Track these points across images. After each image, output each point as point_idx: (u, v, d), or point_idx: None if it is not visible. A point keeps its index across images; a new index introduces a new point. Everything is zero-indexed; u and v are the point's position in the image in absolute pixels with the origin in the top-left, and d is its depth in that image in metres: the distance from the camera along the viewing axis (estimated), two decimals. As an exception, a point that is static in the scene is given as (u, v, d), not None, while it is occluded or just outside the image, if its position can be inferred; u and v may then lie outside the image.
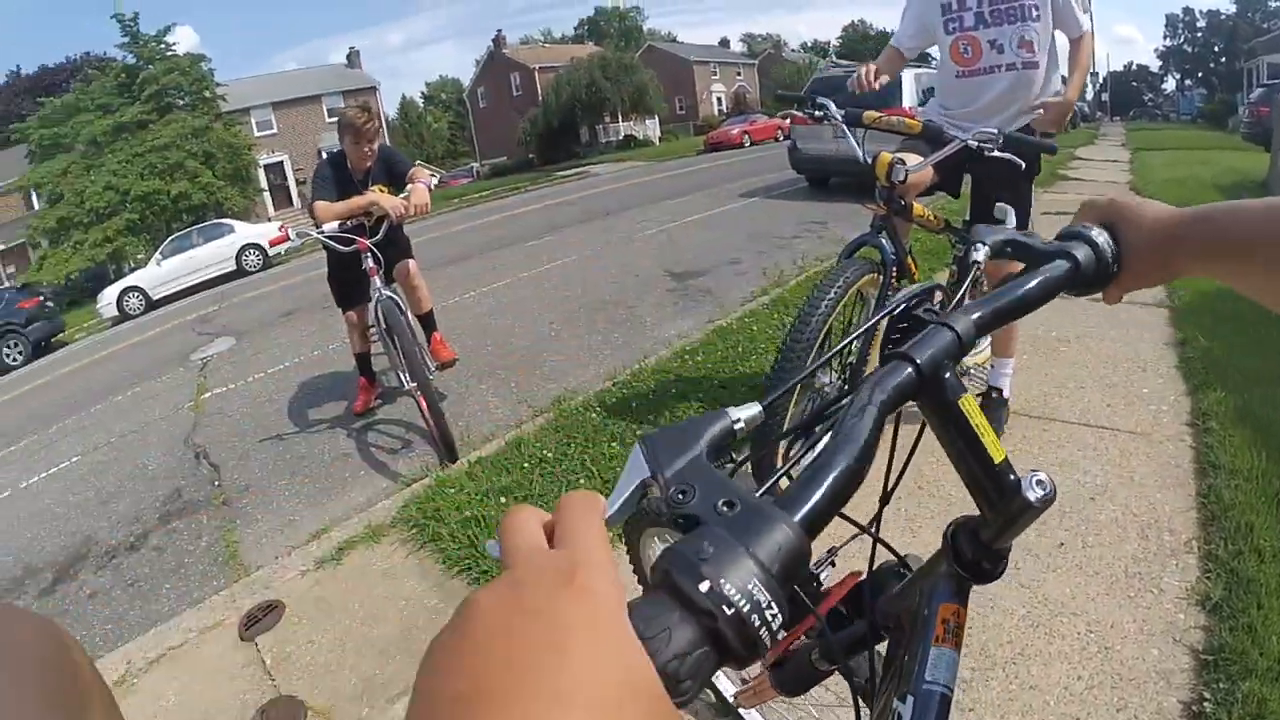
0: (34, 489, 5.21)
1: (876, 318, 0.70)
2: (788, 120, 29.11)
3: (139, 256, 22.65)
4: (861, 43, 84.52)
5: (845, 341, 0.97)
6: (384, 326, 3.64)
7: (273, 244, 3.84)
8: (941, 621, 0.63)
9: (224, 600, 2.93)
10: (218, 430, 5.12)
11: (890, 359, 0.54)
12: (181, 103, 28.01)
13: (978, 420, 0.57)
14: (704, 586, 0.32)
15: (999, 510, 0.59)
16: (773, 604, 0.32)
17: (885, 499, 0.75)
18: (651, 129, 43.56)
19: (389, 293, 3.62)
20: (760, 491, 0.49)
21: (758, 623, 0.31)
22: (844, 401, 0.52)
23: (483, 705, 0.24)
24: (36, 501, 4.92)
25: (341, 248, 3.55)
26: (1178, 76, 68.86)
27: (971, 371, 2.96)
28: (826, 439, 0.46)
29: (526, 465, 3.21)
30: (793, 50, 69.34)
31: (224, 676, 2.46)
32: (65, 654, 0.39)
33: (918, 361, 0.53)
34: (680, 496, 0.39)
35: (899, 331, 0.64)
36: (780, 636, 0.32)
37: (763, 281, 5.86)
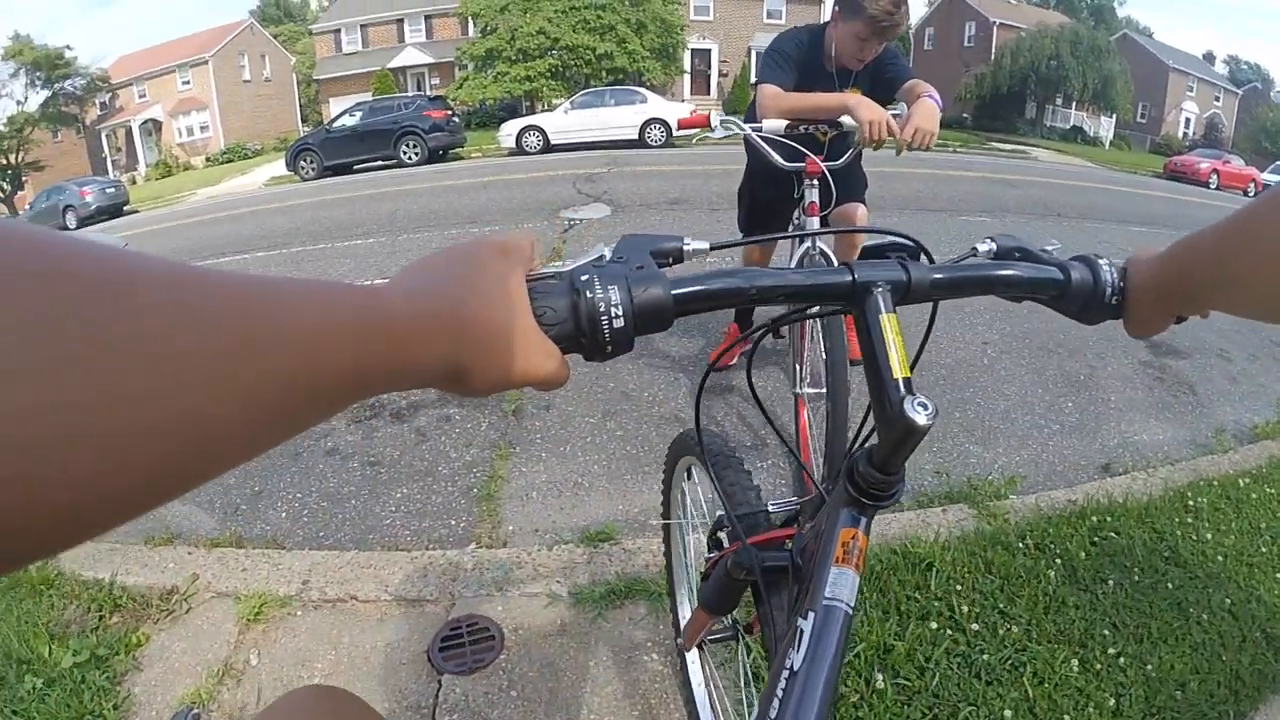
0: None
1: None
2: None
3: (555, 100, 23.81)
4: None
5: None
6: None
7: (682, 125, 2.70)
8: (841, 544, 0.66)
9: (443, 567, 2.20)
10: (551, 311, 4.41)
11: (839, 266, 0.64)
12: (626, -31, 28.65)
13: (892, 338, 0.62)
14: (584, 277, 0.50)
15: (886, 427, 0.62)
16: (619, 311, 0.49)
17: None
18: (1105, 128, 37.29)
19: (825, 245, 2.42)
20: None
21: (603, 312, 0.49)
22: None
23: (434, 290, 0.43)
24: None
25: (782, 161, 2.39)
26: None
27: None
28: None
29: (934, 623, 1.90)
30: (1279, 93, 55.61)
31: (392, 691, 1.76)
32: None
33: (854, 273, 0.63)
34: (620, 258, 0.54)
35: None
36: (618, 339, 0.50)
37: (1268, 413, 3.79)
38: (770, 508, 1.05)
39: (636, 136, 17.22)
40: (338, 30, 35.29)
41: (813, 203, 2.45)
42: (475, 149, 19.08)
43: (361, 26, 34.98)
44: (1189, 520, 2.55)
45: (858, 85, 2.62)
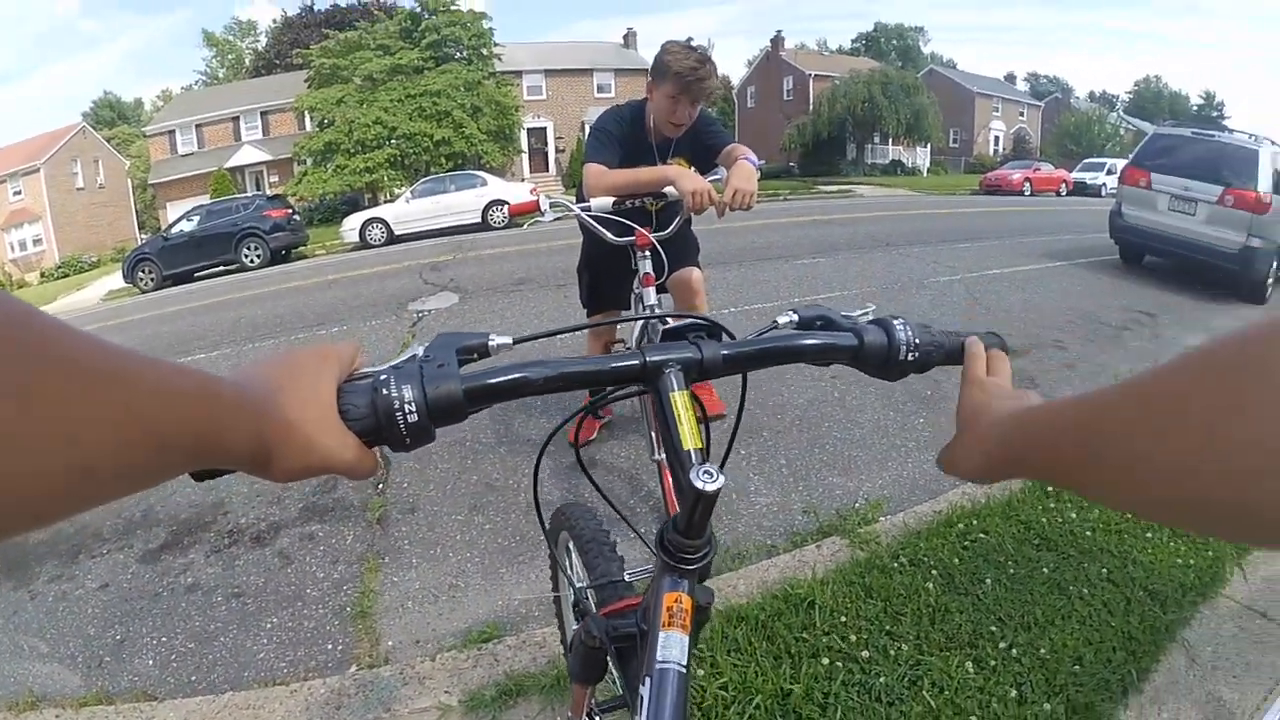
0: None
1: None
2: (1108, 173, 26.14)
3: (396, 190, 23.67)
4: (1153, 101, 76.57)
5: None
6: None
7: (513, 211, 2.63)
8: (666, 609, 0.69)
9: (325, 696, 2.03)
10: (405, 410, 4.25)
11: (633, 350, 0.71)
12: (458, 55, 29.16)
13: (680, 412, 0.68)
14: (383, 377, 0.55)
15: (681, 496, 0.67)
16: (413, 407, 0.55)
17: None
18: (922, 157, 40.61)
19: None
20: None
21: (397, 409, 0.54)
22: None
23: (252, 385, 0.49)
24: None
25: (612, 237, 2.43)
26: None
27: None
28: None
29: (826, 659, 1.89)
30: (1078, 98, 62.97)
31: None
32: None
33: (645, 356, 0.69)
34: (427, 358, 0.60)
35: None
36: (415, 432, 0.55)
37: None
38: (626, 576, 1.10)
39: (480, 220, 17.26)
40: (172, 131, 33.93)
41: (647, 274, 2.48)
42: (319, 246, 18.53)
43: (197, 126, 33.83)
44: (1051, 505, 2.71)
45: (680, 154, 2.71)
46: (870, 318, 0.80)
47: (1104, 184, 25.86)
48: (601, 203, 2.40)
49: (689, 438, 0.68)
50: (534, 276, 8.23)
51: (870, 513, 2.70)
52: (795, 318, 0.79)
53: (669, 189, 2.40)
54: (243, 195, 22.75)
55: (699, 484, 0.63)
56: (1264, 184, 7.72)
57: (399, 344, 5.64)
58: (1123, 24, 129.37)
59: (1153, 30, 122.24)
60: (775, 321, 0.79)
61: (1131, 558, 2.39)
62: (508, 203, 17.27)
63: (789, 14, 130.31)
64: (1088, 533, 2.52)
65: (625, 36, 41.75)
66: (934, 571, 2.26)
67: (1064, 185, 28.19)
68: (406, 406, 0.54)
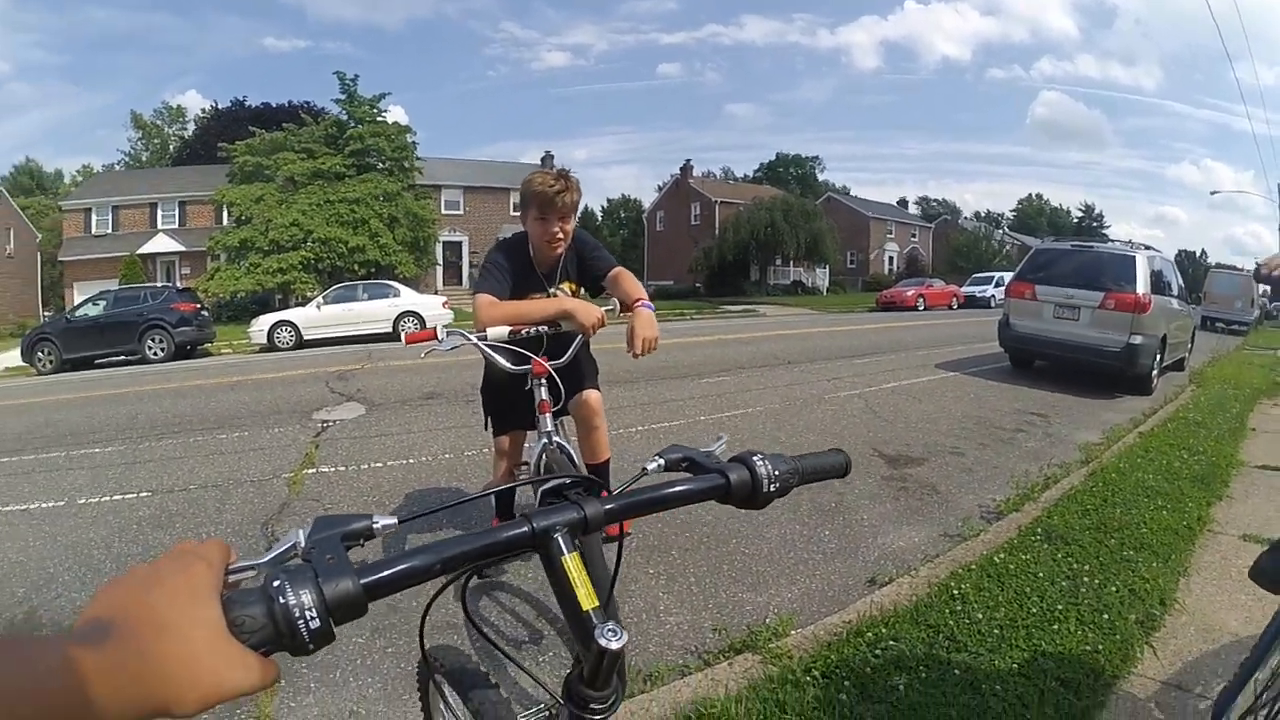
0: (89, 513, 4.33)
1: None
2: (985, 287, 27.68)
3: (308, 294, 23.33)
4: (1035, 217, 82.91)
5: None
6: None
7: (409, 340, 2.58)
8: None
9: None
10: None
11: (519, 518, 0.71)
12: (380, 165, 29.60)
13: (575, 575, 0.70)
14: (276, 584, 0.51)
15: (586, 653, 0.69)
16: (314, 613, 0.51)
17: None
18: (821, 278, 42.88)
19: (561, 439, 2.51)
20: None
21: (298, 617, 0.50)
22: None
23: (115, 635, 0.43)
24: (80, 531, 4.03)
25: (510, 366, 2.47)
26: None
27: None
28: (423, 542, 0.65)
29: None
30: (966, 219, 67.97)
31: None
32: None
33: (534, 523, 0.70)
34: (312, 551, 0.57)
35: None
36: (318, 637, 0.51)
37: (1006, 489, 4.45)
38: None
39: (391, 329, 17.23)
40: (89, 209, 33.41)
41: (543, 401, 2.52)
42: (225, 344, 18.02)
43: (114, 208, 33.36)
44: (959, 608, 2.77)
45: (566, 279, 2.84)
46: (723, 447, 0.87)
47: (993, 296, 27.80)
48: (498, 332, 2.47)
49: (586, 598, 0.70)
50: (443, 390, 8.11)
51: (781, 627, 2.68)
52: (662, 462, 0.84)
53: (565, 320, 2.52)
54: (152, 285, 21.85)
55: (604, 642, 0.65)
56: (1142, 286, 8.45)
57: (302, 454, 5.43)
58: (1001, 149, 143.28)
59: (1029, 155, 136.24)
60: (644, 469, 0.84)
61: (1040, 650, 2.46)
62: (419, 314, 17.38)
63: (695, 143, 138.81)
64: (995, 631, 2.58)
65: (543, 158, 43.11)
66: (846, 682, 2.25)
67: (955, 299, 30.19)
68: (308, 614, 0.51)
